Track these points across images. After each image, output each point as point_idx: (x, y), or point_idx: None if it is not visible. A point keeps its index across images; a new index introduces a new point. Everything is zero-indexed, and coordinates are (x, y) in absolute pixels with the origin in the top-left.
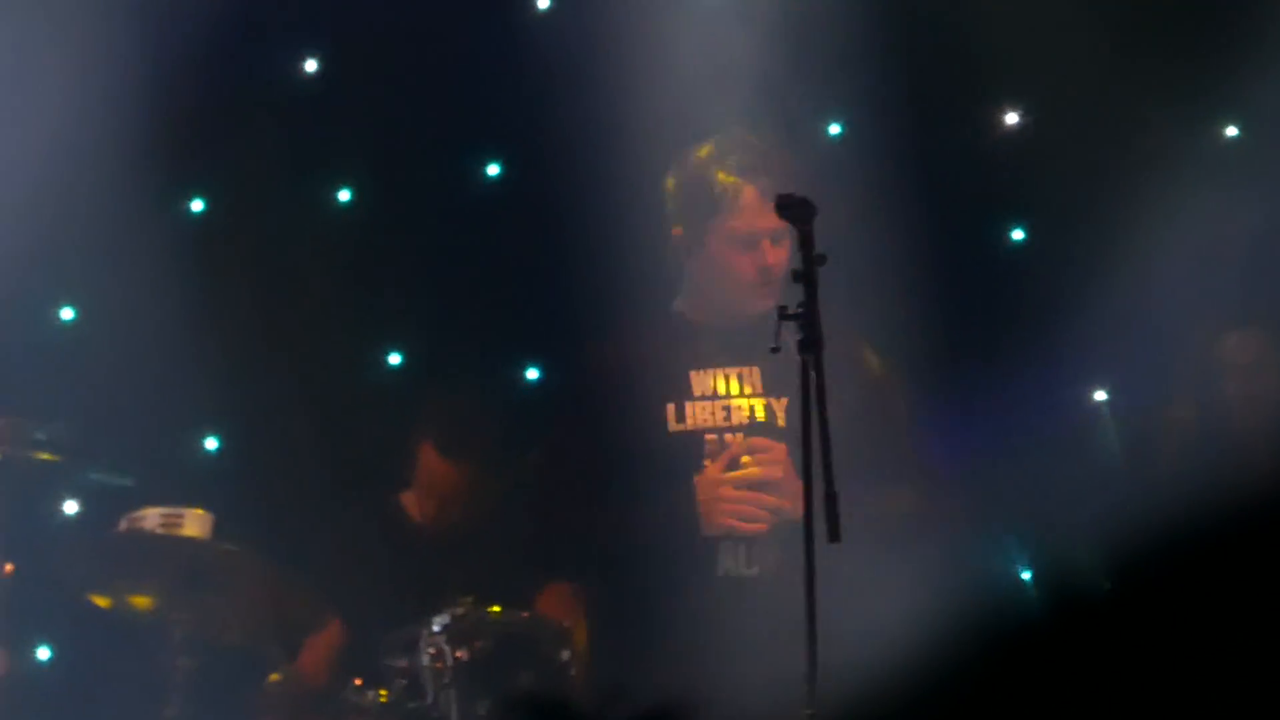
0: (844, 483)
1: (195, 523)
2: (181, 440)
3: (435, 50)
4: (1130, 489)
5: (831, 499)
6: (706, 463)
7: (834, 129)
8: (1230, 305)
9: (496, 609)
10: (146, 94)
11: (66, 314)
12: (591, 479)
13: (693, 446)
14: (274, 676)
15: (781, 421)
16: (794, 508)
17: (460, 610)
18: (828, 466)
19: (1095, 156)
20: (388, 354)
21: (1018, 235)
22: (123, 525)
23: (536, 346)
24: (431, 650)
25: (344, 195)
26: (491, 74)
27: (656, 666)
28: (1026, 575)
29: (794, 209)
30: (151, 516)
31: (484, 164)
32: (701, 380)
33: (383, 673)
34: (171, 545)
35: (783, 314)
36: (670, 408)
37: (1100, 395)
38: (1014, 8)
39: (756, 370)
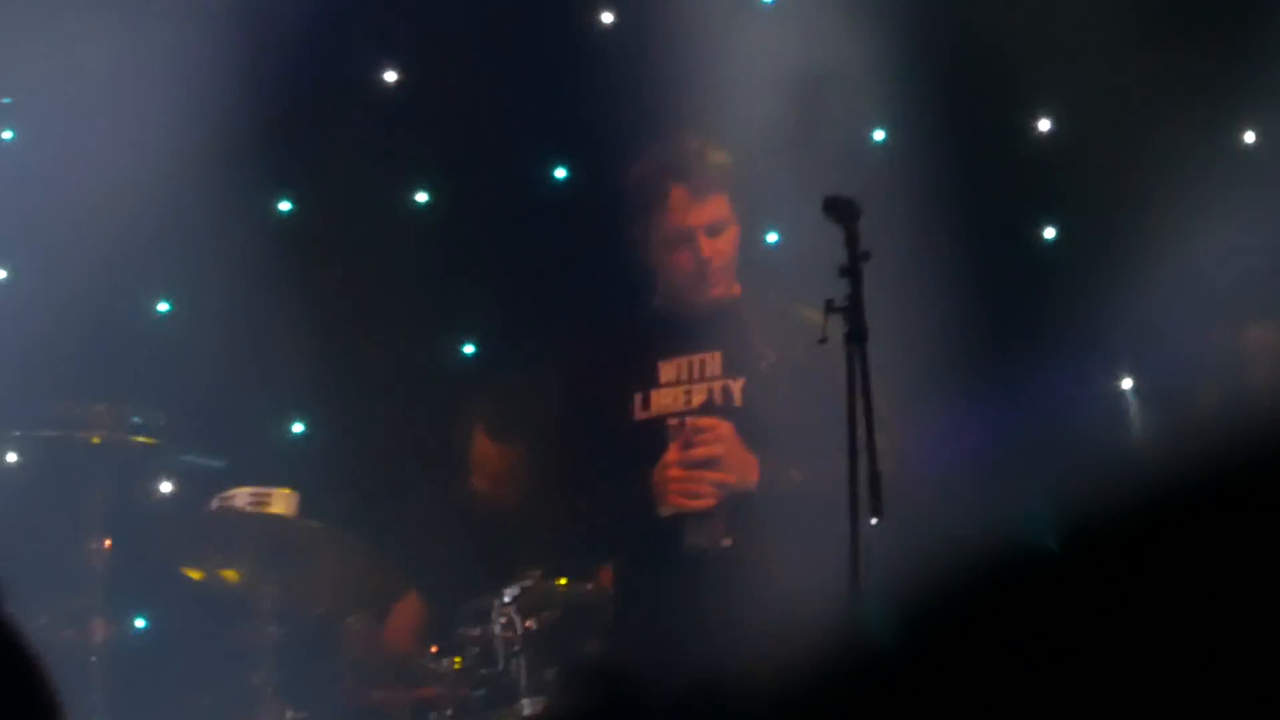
0: (781, 447)
1: (282, 501)
2: (270, 424)
3: (506, 61)
4: (1153, 471)
5: (875, 478)
6: (672, 446)
7: (878, 134)
8: (1253, 298)
9: (563, 581)
10: (239, 99)
11: (163, 307)
12: (567, 467)
13: (657, 432)
14: (355, 644)
15: (739, 401)
16: (741, 481)
17: (529, 583)
18: (872, 449)
19: (1124, 158)
20: (462, 344)
21: (1050, 233)
22: (214, 504)
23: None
24: (503, 620)
25: (421, 196)
26: (558, 83)
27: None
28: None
29: (839, 209)
30: (241, 495)
31: (551, 167)
32: (667, 369)
33: (457, 641)
34: (260, 522)
35: (829, 307)
36: (638, 396)
37: (1127, 383)
38: (1046, 15)
39: (718, 355)
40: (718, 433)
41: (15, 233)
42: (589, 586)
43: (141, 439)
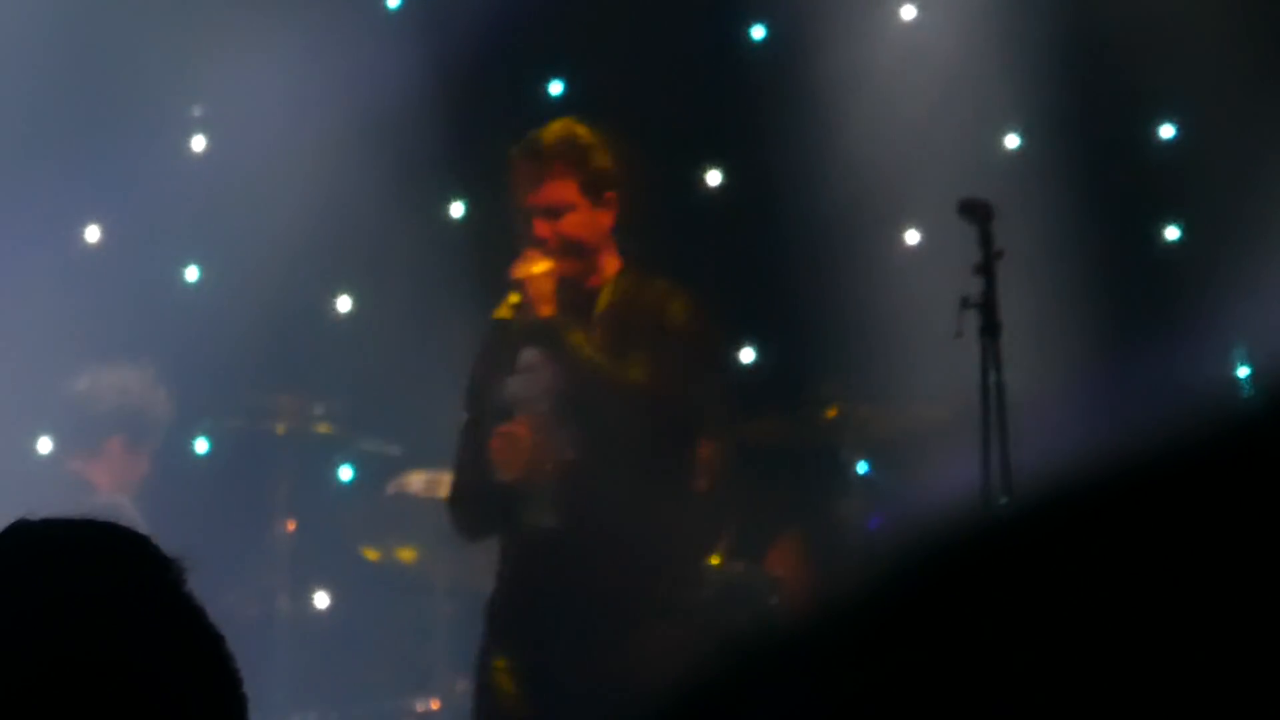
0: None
1: None
2: (442, 413)
3: (664, 74)
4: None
5: (1006, 463)
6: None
7: (1012, 140)
8: None
9: (716, 560)
10: (417, 107)
11: (344, 303)
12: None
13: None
14: None
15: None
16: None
17: None
18: (1003, 435)
19: (1245, 161)
20: None
21: (1173, 234)
22: (390, 488)
23: (751, 332)
24: None
25: None
26: (713, 93)
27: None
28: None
29: (975, 210)
30: (416, 480)
31: (704, 172)
32: (525, 353)
33: None
34: (433, 505)
35: (965, 303)
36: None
37: (1244, 371)
38: (1172, 18)
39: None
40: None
41: (207, 234)
42: (739, 566)
43: (323, 428)
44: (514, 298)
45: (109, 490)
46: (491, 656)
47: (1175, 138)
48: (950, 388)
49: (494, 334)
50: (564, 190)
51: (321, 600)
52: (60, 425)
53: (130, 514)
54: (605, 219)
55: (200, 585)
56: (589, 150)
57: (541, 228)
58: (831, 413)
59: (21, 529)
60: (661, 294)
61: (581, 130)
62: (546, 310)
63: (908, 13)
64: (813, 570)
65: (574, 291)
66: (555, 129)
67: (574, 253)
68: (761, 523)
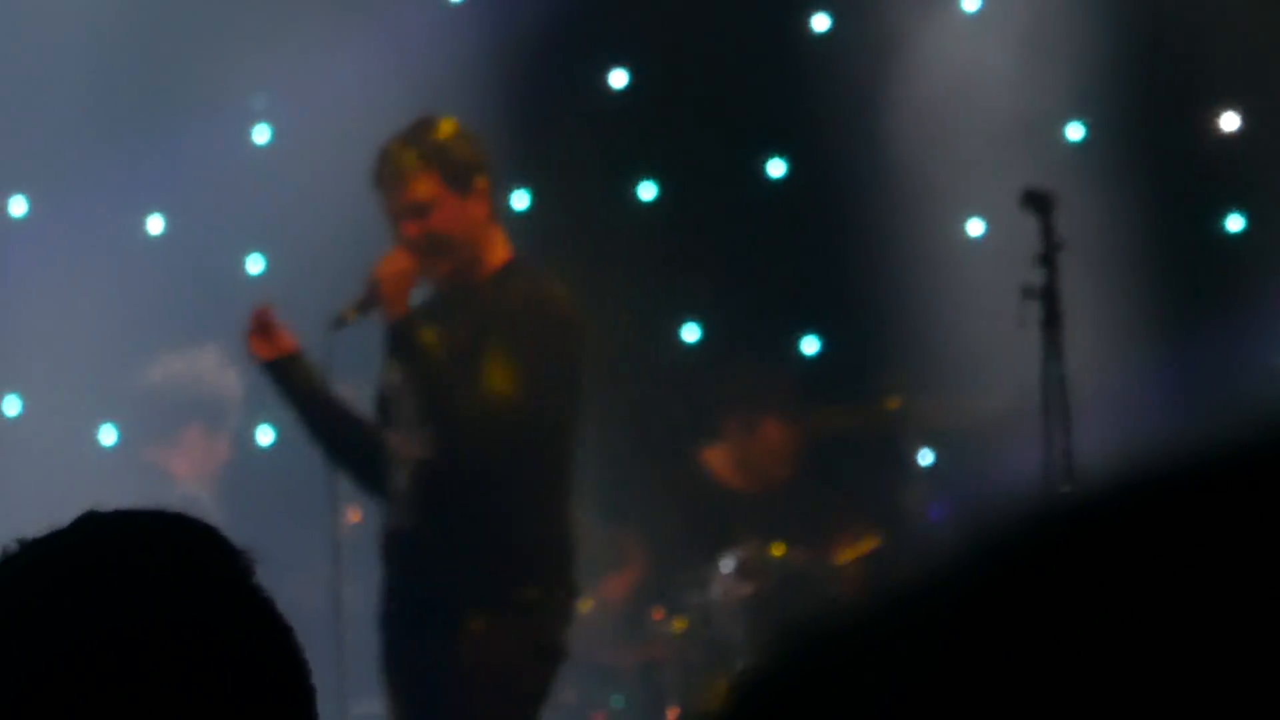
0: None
1: None
2: None
3: (727, 65)
4: None
5: (1068, 452)
6: None
7: (1075, 131)
8: None
9: (778, 550)
10: (479, 97)
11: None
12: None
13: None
14: (584, 605)
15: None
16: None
17: (747, 551)
18: (1065, 425)
19: None
20: (685, 330)
21: (1237, 224)
22: None
23: (815, 322)
24: (722, 586)
25: (648, 193)
26: (776, 83)
27: None
28: None
29: (1037, 201)
30: None
31: (767, 163)
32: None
33: (680, 605)
34: None
35: (1027, 294)
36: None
37: None
38: (1235, 9)
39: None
40: None
41: (272, 225)
42: (801, 555)
43: None
44: (359, 299)
45: (188, 479)
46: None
47: (1239, 128)
48: (1012, 378)
49: (328, 332)
50: (425, 186)
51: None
52: (127, 415)
53: (205, 506)
54: (477, 209)
55: (266, 576)
56: (447, 143)
57: (409, 227)
58: (894, 403)
59: (92, 520)
60: (540, 288)
61: (442, 123)
62: (398, 310)
63: (971, 4)
64: (876, 559)
65: (459, 288)
66: (410, 127)
67: (446, 249)
68: (825, 512)
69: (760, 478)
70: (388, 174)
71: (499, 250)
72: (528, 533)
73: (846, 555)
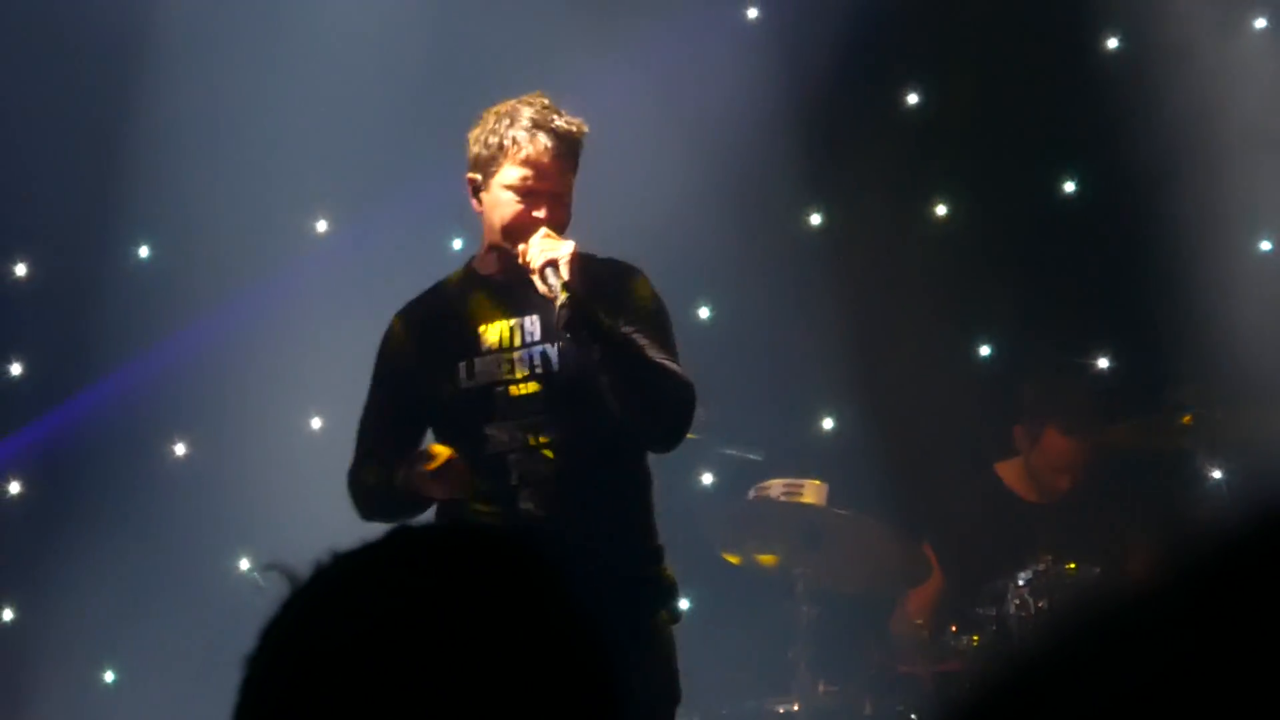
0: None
1: (813, 492)
2: (802, 421)
3: (1020, 83)
4: None
5: None
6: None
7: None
8: None
9: (1072, 565)
10: (774, 116)
11: (704, 312)
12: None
13: (481, 401)
14: (885, 622)
15: (557, 366)
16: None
17: (1041, 566)
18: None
19: None
20: (979, 345)
21: None
22: (751, 494)
23: (1108, 338)
24: (1017, 601)
25: (941, 209)
26: (1068, 101)
27: None
28: None
29: None
30: (776, 486)
31: (1061, 181)
32: (488, 334)
33: (975, 619)
34: (793, 511)
35: None
36: (462, 365)
37: None
38: None
39: (536, 318)
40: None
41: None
42: (1097, 570)
43: (688, 434)
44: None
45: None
46: None
47: None
48: None
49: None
50: (567, 181)
51: (684, 603)
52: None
53: None
54: None
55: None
56: (582, 140)
57: (551, 209)
58: (1187, 418)
59: (402, 533)
60: (615, 273)
61: (577, 121)
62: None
63: (1259, 22)
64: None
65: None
66: (566, 117)
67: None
68: (1117, 526)
69: (1045, 489)
70: (540, 151)
71: None
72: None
73: (1139, 570)
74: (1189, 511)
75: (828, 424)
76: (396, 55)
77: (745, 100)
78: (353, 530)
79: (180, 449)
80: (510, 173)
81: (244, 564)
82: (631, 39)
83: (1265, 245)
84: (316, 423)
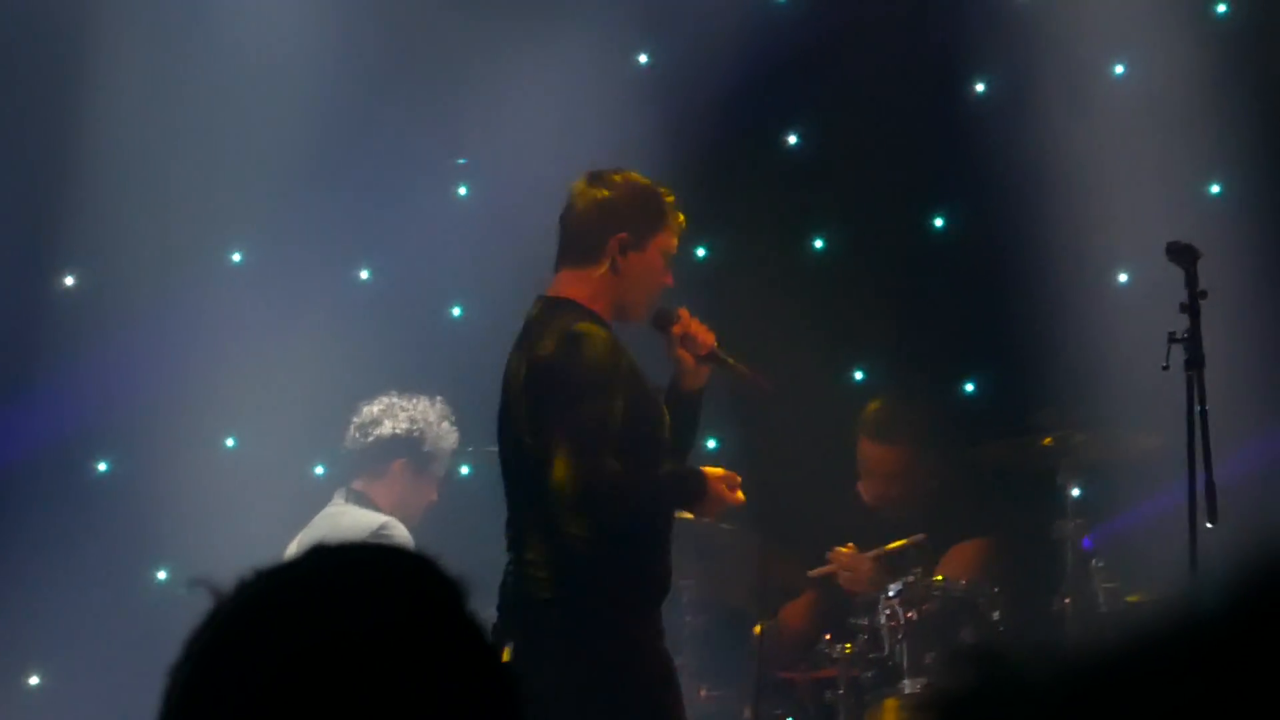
0: None
1: None
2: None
3: (891, 127)
4: None
5: (1210, 486)
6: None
7: (1215, 187)
8: None
9: (940, 578)
10: (663, 154)
11: None
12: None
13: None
14: (759, 629)
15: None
16: None
17: (910, 579)
18: (1208, 461)
19: None
20: (854, 371)
21: None
22: None
23: (975, 364)
24: (887, 611)
25: (819, 243)
26: (938, 143)
27: None
28: None
29: (1180, 253)
30: None
31: (932, 217)
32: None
33: (849, 629)
34: (680, 526)
35: (1171, 338)
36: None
37: None
38: None
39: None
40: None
41: (469, 275)
42: (962, 582)
43: None
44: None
45: (388, 511)
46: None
47: None
48: (1159, 417)
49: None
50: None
51: None
52: (342, 447)
53: (401, 532)
54: None
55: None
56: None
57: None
58: (1048, 440)
59: (319, 552)
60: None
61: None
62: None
63: (1118, 68)
64: (997, 575)
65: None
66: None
67: None
68: (950, 532)
69: (876, 496)
70: (676, 227)
71: None
72: None
73: (958, 568)
74: (1052, 527)
75: (710, 444)
76: (308, 92)
77: (636, 138)
78: (265, 543)
79: (102, 466)
80: (670, 241)
81: (161, 575)
82: (533, 76)
83: (1122, 278)
84: (230, 441)
